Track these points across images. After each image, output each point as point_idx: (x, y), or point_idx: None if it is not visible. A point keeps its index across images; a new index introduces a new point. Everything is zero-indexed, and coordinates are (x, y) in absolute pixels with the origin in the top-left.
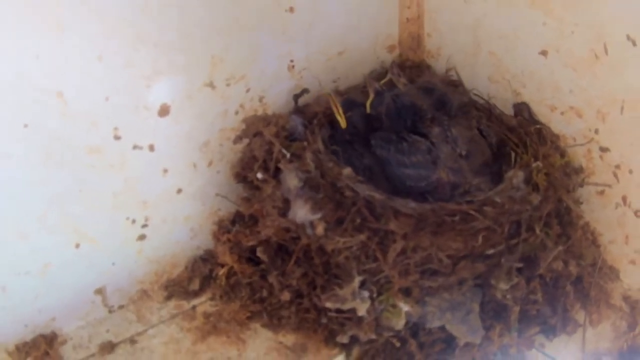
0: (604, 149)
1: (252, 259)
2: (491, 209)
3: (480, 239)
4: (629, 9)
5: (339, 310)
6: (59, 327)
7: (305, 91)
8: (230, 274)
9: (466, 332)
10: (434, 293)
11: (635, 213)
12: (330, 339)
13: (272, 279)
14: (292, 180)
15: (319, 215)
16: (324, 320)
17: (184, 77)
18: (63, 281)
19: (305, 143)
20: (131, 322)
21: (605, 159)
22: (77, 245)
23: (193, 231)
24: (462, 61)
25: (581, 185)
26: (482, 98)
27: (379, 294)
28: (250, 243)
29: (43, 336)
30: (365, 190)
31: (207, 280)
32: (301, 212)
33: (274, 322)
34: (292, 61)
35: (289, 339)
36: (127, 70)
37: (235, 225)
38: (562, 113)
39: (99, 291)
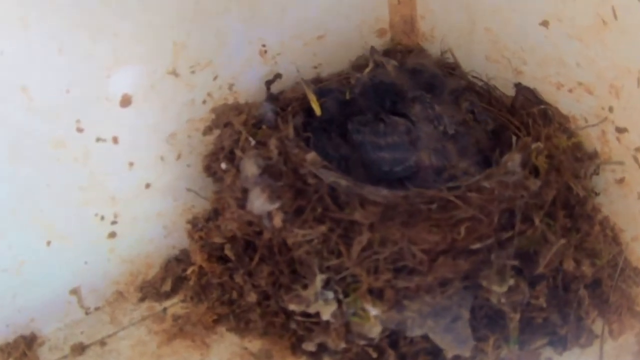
0: (620, 130)
1: (223, 258)
2: (477, 195)
3: (462, 230)
4: None
5: (305, 314)
6: (39, 328)
7: (277, 76)
8: (201, 274)
9: (452, 342)
10: (412, 296)
11: None
12: (297, 346)
13: (238, 278)
14: (250, 167)
15: (277, 205)
16: (292, 325)
17: (145, 66)
18: (38, 280)
19: (272, 130)
20: (104, 324)
21: (622, 141)
22: (49, 243)
23: (166, 229)
24: (458, 41)
25: (597, 173)
26: (480, 80)
27: (346, 295)
28: (217, 239)
29: (23, 337)
30: (330, 177)
31: (180, 281)
32: (258, 201)
33: (241, 326)
34: (264, 46)
35: (255, 344)
36: (88, 62)
37: (209, 222)
38: (569, 90)
39: (74, 292)
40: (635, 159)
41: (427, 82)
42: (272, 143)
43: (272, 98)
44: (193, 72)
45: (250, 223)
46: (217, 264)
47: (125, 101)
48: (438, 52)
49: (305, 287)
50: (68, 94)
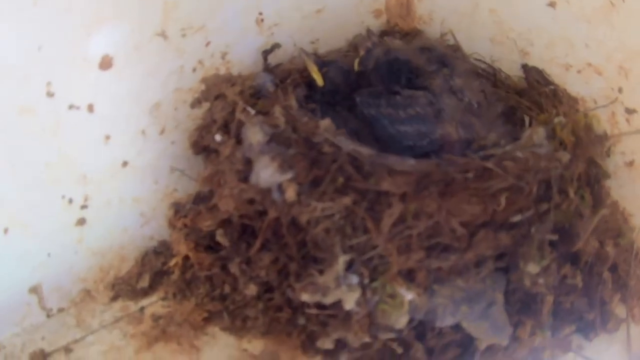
0: (630, 111)
1: (212, 247)
2: (513, 164)
3: (502, 200)
4: None
5: (319, 306)
6: None
7: (276, 46)
8: (186, 266)
9: (489, 330)
10: (444, 279)
11: None
12: (309, 344)
13: (234, 268)
14: (255, 135)
15: (289, 176)
16: (300, 321)
17: (130, 25)
18: None
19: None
20: (69, 328)
21: (632, 123)
22: (6, 231)
23: (144, 216)
24: (459, 24)
25: (608, 155)
26: (484, 62)
27: (373, 279)
28: (208, 224)
29: None
30: (349, 145)
31: (159, 277)
32: (266, 172)
33: (237, 324)
34: (260, 14)
35: (256, 345)
36: (65, 16)
37: (198, 206)
38: (578, 71)
39: (34, 290)
40: None
41: (439, 61)
42: (278, 111)
43: (269, 69)
44: (184, 35)
45: (251, 201)
46: (206, 253)
47: (105, 63)
48: (437, 36)
49: (321, 273)
50: (40, 52)
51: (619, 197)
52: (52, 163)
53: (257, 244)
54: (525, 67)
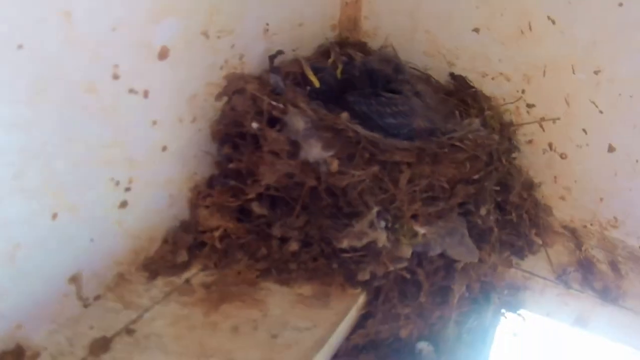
0: (530, 105)
1: (240, 220)
2: (469, 142)
3: (467, 165)
4: None
5: (352, 250)
6: (26, 336)
7: (279, 52)
8: (220, 238)
9: (465, 253)
10: (432, 221)
11: (561, 155)
12: (350, 280)
13: (276, 230)
14: (298, 122)
15: (331, 153)
16: (334, 266)
17: (185, 21)
18: (34, 269)
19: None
20: (117, 312)
21: (531, 113)
22: (55, 216)
23: (172, 198)
24: (399, 39)
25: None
26: (418, 70)
27: (393, 223)
28: (250, 196)
29: (8, 353)
30: (363, 131)
31: (192, 252)
32: (314, 150)
33: (284, 276)
34: (267, 24)
35: (306, 289)
36: (140, 1)
37: (215, 188)
38: (492, 78)
39: (74, 279)
40: (540, 125)
41: (395, 69)
42: (302, 105)
43: (275, 70)
44: (219, 37)
45: (291, 175)
46: (242, 224)
47: (164, 53)
48: (378, 47)
49: (355, 223)
50: (114, 32)
51: (523, 165)
52: (107, 144)
53: (297, 208)
54: (452, 75)
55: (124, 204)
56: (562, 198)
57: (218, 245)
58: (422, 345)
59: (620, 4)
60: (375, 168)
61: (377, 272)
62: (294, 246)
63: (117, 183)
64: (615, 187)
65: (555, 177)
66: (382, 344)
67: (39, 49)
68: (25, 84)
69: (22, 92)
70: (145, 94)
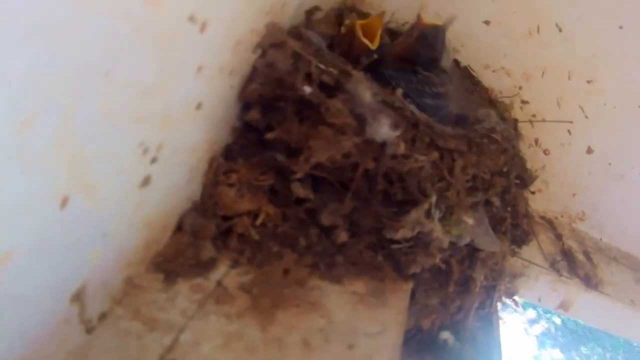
0: (524, 102)
1: (272, 202)
2: (500, 134)
3: (502, 158)
4: (561, 3)
5: (403, 240)
6: None
7: (316, 8)
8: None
9: (490, 243)
10: (472, 211)
11: (545, 151)
12: (401, 274)
13: (325, 218)
14: (364, 93)
15: (398, 133)
16: (379, 258)
17: None
18: (28, 289)
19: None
20: (140, 336)
21: (525, 109)
22: (65, 201)
23: (191, 172)
24: (406, 17)
25: None
26: None
27: (445, 214)
28: (297, 175)
29: None
30: (418, 112)
31: (216, 244)
32: (382, 129)
33: (334, 272)
34: None
35: (359, 286)
36: None
37: (238, 161)
38: (493, 71)
39: (78, 297)
40: (531, 122)
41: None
42: (358, 75)
43: (309, 27)
44: None
45: (347, 154)
46: (283, 209)
47: None
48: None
49: (408, 213)
50: None
51: None
52: (149, 89)
53: (349, 193)
54: (455, 61)
55: (146, 181)
56: (539, 190)
57: (253, 235)
58: (446, 335)
59: (621, 27)
60: (435, 154)
61: (425, 264)
62: (342, 236)
63: (146, 150)
64: (588, 185)
65: (535, 170)
66: (405, 334)
67: None
68: None
69: None
70: (203, 27)
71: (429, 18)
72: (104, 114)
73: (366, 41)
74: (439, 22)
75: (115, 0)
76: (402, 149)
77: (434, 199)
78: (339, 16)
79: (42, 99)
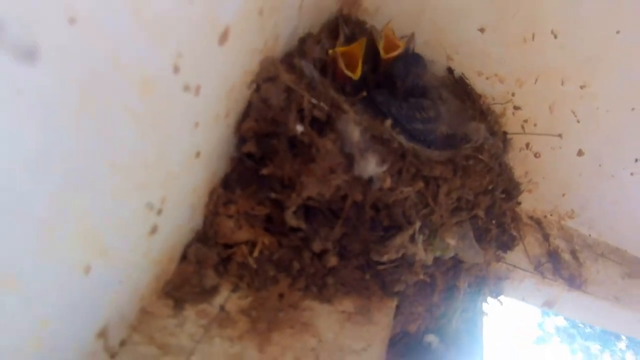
0: (517, 107)
1: (267, 230)
2: (486, 153)
3: (487, 178)
4: (558, 10)
5: (389, 262)
6: None
7: (309, 36)
8: (253, 254)
9: (474, 255)
10: (455, 230)
11: (535, 155)
12: (386, 292)
13: (316, 245)
14: (353, 132)
15: (385, 168)
16: (367, 277)
17: None
18: (62, 343)
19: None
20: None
21: (516, 115)
22: (87, 269)
23: (192, 208)
24: (402, 25)
25: None
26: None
27: (429, 236)
28: (290, 209)
29: None
30: (404, 141)
31: (218, 271)
32: (370, 166)
33: (325, 293)
34: (300, 7)
35: (347, 305)
36: None
37: (236, 192)
38: (487, 78)
39: (103, 333)
40: (522, 127)
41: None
42: (346, 107)
43: (302, 54)
44: (270, 14)
45: (337, 189)
46: (277, 237)
47: (224, 37)
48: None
49: (394, 237)
50: (178, 9)
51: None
52: (149, 163)
53: (339, 221)
54: (449, 69)
55: (154, 230)
56: (529, 191)
57: (252, 263)
58: (431, 338)
59: (618, 32)
60: (420, 184)
61: (409, 281)
62: (332, 261)
63: (151, 207)
64: (578, 185)
65: (526, 172)
66: (392, 339)
67: (94, 25)
68: (68, 81)
69: (69, 92)
70: (197, 91)
71: (398, 39)
72: (114, 190)
73: (349, 73)
74: (399, 48)
75: (114, 93)
76: (388, 183)
77: (417, 225)
78: (334, 30)
79: (62, 195)
